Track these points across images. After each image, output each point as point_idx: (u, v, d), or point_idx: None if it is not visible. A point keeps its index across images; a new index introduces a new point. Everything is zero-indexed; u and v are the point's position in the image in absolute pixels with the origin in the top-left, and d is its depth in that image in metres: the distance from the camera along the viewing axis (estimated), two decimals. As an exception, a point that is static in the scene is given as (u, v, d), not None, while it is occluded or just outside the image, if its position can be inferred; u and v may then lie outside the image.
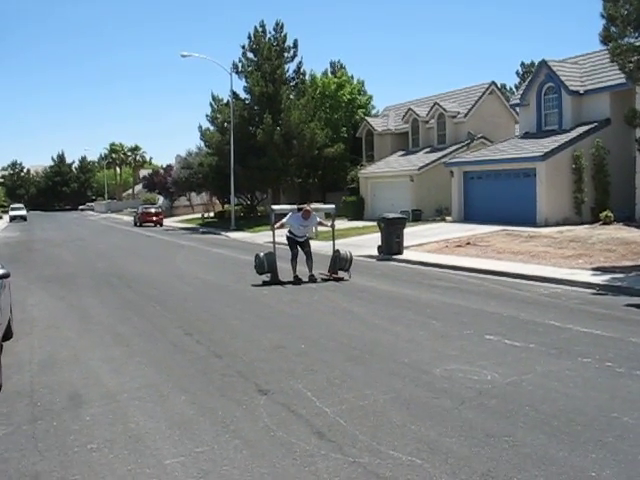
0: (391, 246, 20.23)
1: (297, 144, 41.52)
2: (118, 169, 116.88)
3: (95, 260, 22.44)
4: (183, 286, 15.38)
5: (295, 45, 45.04)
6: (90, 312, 11.94)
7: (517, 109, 33.71)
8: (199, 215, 58.63)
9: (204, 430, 5.61)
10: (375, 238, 22.28)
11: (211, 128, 46.87)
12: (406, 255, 20.04)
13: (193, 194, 64.23)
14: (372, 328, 9.89)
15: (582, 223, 25.08)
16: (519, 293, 13.21)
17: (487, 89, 37.75)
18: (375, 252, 20.74)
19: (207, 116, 47.07)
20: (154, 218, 52.63)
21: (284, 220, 15.61)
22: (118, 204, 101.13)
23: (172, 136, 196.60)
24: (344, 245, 23.56)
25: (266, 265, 14.92)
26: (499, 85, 41.41)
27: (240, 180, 41.54)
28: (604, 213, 24.39)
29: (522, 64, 66.96)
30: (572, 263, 16.77)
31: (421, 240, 23.68)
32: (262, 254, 15.19)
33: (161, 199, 73.20)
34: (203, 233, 40.70)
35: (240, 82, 45.10)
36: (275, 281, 14.89)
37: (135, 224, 53.82)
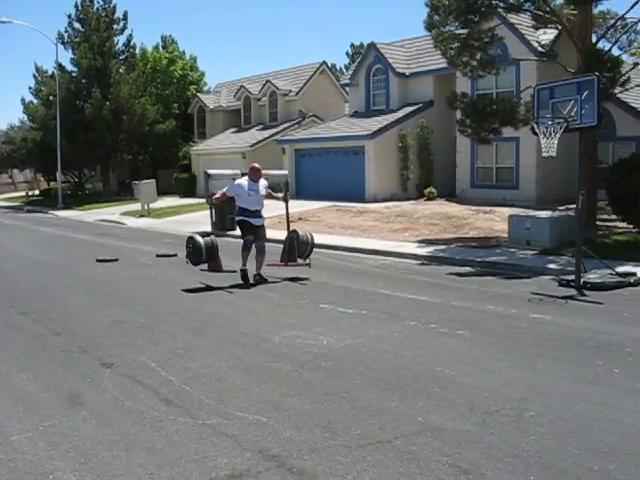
0: (225, 222, 20.29)
1: (127, 119, 40.27)
2: None
3: None
4: (12, 266, 14.72)
5: (125, 17, 43.40)
6: None
7: (347, 89, 34.73)
8: (23, 193, 55.60)
9: (50, 405, 5.56)
10: (208, 215, 22.21)
11: (35, 101, 44.42)
12: (240, 231, 20.19)
13: (16, 171, 60.81)
14: (211, 300, 10.06)
15: (408, 199, 26.44)
16: (350, 265, 13.83)
17: (318, 68, 38.52)
18: (209, 228, 20.72)
19: (30, 88, 44.61)
20: (-29, 196, 49.46)
21: (226, 189, 12.44)
22: None
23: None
24: (178, 222, 23.40)
25: (204, 253, 11.72)
26: (330, 65, 42.33)
27: (67, 156, 39.73)
28: (428, 189, 25.89)
29: (352, 45, 68.78)
30: (399, 236, 17.71)
31: (255, 216, 23.88)
32: (199, 238, 11.92)
33: (-22, 176, 68.74)
34: (29, 212, 38.70)
35: (67, 54, 43.19)
36: (216, 270, 11.90)
37: (-50, 202, 50.33)
